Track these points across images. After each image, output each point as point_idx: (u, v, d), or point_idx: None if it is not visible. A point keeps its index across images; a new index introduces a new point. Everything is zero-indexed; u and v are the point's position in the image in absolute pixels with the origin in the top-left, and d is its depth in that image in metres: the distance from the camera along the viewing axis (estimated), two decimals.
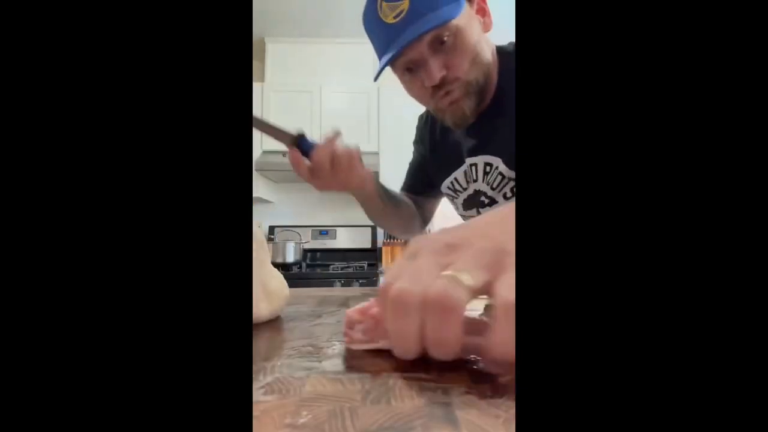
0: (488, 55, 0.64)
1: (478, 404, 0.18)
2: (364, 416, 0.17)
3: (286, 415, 0.18)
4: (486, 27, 0.63)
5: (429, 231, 1.03)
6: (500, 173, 0.68)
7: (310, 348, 0.28)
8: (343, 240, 2.60)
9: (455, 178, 0.76)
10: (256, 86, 2.38)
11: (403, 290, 0.23)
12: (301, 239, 2.44)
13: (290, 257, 2.28)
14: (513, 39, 0.69)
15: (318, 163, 0.63)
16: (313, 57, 2.52)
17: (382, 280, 0.43)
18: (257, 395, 0.20)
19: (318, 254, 2.57)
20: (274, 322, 0.36)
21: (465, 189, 0.75)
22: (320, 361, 0.25)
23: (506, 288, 0.21)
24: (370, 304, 0.28)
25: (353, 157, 0.63)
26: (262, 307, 0.36)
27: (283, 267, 2.22)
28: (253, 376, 0.22)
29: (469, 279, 0.23)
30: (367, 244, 2.59)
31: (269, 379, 0.22)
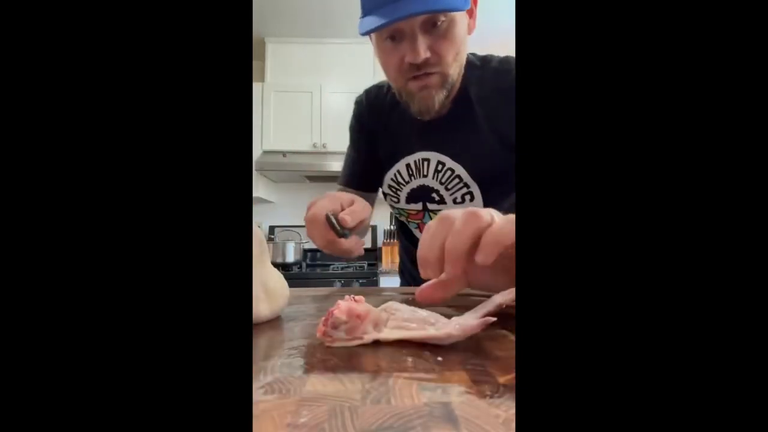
0: (465, 56, 0.64)
1: (478, 404, 0.18)
2: (364, 416, 0.17)
3: (286, 415, 0.18)
4: (470, 29, 0.63)
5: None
6: (457, 176, 0.68)
7: (310, 348, 0.28)
8: None
9: (398, 171, 0.74)
10: (256, 86, 2.38)
11: (452, 212, 0.34)
12: (301, 239, 2.44)
13: (290, 257, 2.28)
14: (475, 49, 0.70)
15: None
16: (313, 57, 2.52)
17: (381, 280, 0.44)
18: (257, 395, 0.20)
19: (318, 254, 2.57)
20: (274, 322, 0.36)
21: (407, 183, 0.73)
22: (320, 361, 0.25)
23: None
24: (354, 305, 0.28)
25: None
26: (262, 307, 0.36)
27: (283, 267, 2.22)
28: (253, 376, 0.22)
29: (499, 217, 0.33)
30: (367, 244, 2.59)
31: (269, 379, 0.22)
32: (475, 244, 0.32)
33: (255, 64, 2.56)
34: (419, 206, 0.74)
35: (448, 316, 0.29)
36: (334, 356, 0.26)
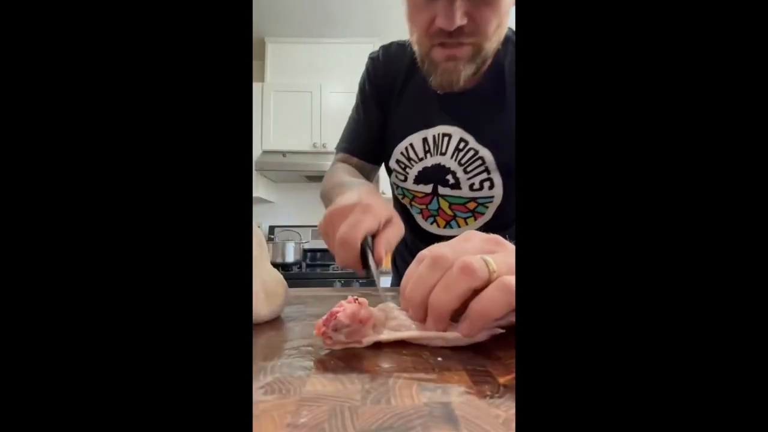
0: (505, 31, 0.55)
1: (478, 404, 0.18)
2: (364, 416, 0.17)
3: (286, 415, 0.18)
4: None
5: None
6: (480, 158, 0.58)
7: (310, 348, 0.28)
8: None
9: (410, 144, 0.62)
10: (256, 86, 2.38)
11: (443, 254, 0.28)
12: (301, 239, 2.44)
13: (290, 257, 2.28)
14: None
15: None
16: (313, 57, 2.51)
17: (381, 280, 0.43)
18: (257, 395, 0.20)
19: (318, 254, 2.57)
20: (274, 322, 0.36)
21: (420, 159, 0.63)
22: (320, 361, 0.25)
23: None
24: (357, 310, 0.27)
25: None
26: (262, 307, 0.36)
27: (283, 267, 2.22)
28: (253, 376, 0.22)
29: (495, 267, 0.27)
30: None
31: (269, 379, 0.22)
32: (464, 302, 0.27)
33: (255, 64, 2.56)
34: (428, 188, 0.63)
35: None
36: (334, 356, 0.26)
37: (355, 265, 0.43)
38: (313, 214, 2.65)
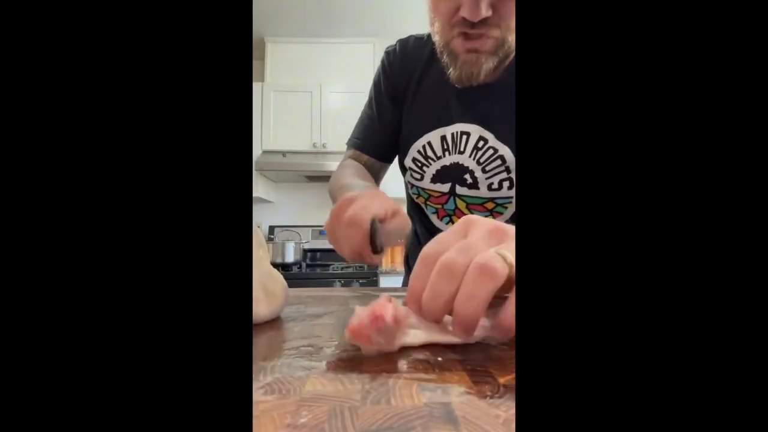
0: None
1: (478, 404, 0.18)
2: (364, 416, 0.17)
3: (286, 415, 0.18)
4: None
5: None
6: (500, 157, 0.56)
7: (310, 348, 0.28)
8: None
9: (428, 143, 0.61)
10: (256, 86, 2.39)
11: (453, 260, 0.25)
12: (301, 239, 2.44)
13: (290, 257, 2.28)
14: None
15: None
16: (313, 57, 2.52)
17: (381, 280, 0.43)
18: (257, 395, 0.20)
19: (318, 254, 2.57)
20: (274, 322, 0.36)
21: (438, 158, 0.61)
22: (320, 361, 0.25)
23: None
24: (397, 310, 0.26)
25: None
26: (262, 307, 0.35)
27: (283, 267, 2.22)
28: (253, 376, 0.22)
29: (512, 259, 0.25)
30: None
31: (269, 379, 0.22)
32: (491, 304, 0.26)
33: (255, 64, 2.56)
34: (446, 188, 0.62)
35: None
36: (333, 356, 0.26)
37: (363, 247, 0.41)
38: (313, 214, 2.66)
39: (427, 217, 0.68)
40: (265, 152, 2.34)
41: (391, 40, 0.70)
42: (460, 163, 0.59)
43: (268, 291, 0.37)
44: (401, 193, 0.72)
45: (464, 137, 0.59)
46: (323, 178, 2.41)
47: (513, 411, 0.18)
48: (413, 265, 0.84)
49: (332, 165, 2.20)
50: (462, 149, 0.59)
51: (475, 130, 0.58)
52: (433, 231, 0.68)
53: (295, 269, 2.28)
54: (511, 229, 0.28)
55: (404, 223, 0.45)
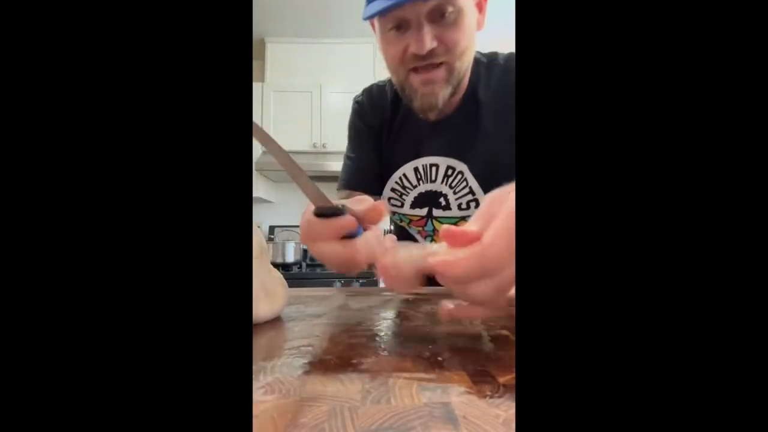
0: (473, 52, 0.61)
1: (478, 404, 0.18)
2: (364, 416, 0.17)
3: (286, 415, 0.18)
4: (479, 25, 0.60)
5: None
6: (465, 179, 0.64)
7: (310, 348, 0.28)
8: None
9: (404, 174, 0.69)
10: (256, 86, 2.38)
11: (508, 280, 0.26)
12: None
13: (290, 257, 2.27)
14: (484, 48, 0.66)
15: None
16: (313, 57, 2.51)
17: (381, 280, 0.42)
18: (257, 395, 0.20)
19: None
20: (274, 322, 0.36)
21: (415, 187, 0.69)
22: (320, 361, 0.25)
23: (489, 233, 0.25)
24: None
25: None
26: (262, 307, 0.36)
27: (283, 267, 2.21)
28: (253, 376, 0.22)
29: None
30: None
31: (269, 379, 0.22)
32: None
33: (255, 64, 2.56)
34: (424, 212, 0.71)
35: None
36: (333, 356, 0.26)
37: (330, 235, 0.33)
38: None
39: (411, 236, 0.76)
40: (265, 152, 2.34)
41: None
42: (434, 189, 0.68)
43: (268, 291, 0.37)
44: None
45: (434, 168, 0.67)
46: (323, 178, 2.40)
47: (513, 411, 0.18)
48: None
49: (332, 165, 2.19)
50: (433, 178, 0.67)
51: (443, 161, 0.66)
52: None
53: (295, 269, 2.28)
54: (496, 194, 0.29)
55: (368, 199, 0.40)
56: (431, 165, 0.67)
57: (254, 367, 0.24)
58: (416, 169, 0.68)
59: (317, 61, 2.51)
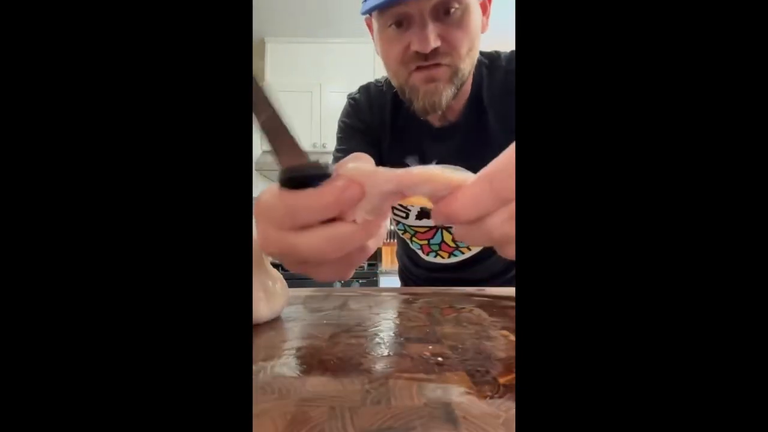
0: (477, 54, 0.57)
1: (478, 404, 0.18)
2: (364, 416, 0.17)
3: (286, 415, 0.18)
4: (483, 27, 0.57)
5: None
6: None
7: (310, 348, 0.28)
8: None
9: None
10: None
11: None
12: None
13: None
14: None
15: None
16: (313, 57, 2.52)
17: (381, 280, 0.42)
18: (257, 395, 0.20)
19: None
20: (274, 322, 0.36)
21: None
22: (320, 361, 0.25)
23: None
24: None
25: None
26: (262, 307, 0.35)
27: (282, 267, 2.21)
28: (253, 376, 0.22)
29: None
30: None
31: (269, 379, 0.22)
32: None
33: (255, 63, 2.56)
34: (431, 222, 0.65)
35: None
36: (333, 356, 0.26)
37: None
38: None
39: (414, 251, 0.72)
40: (265, 152, 2.34)
41: None
42: None
43: (268, 291, 0.37)
44: None
45: None
46: None
47: (513, 411, 0.18)
48: (407, 276, 0.83)
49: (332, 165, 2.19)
50: None
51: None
52: (421, 263, 0.72)
53: None
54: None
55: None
56: None
57: (254, 367, 0.23)
58: None
59: (317, 61, 2.51)
